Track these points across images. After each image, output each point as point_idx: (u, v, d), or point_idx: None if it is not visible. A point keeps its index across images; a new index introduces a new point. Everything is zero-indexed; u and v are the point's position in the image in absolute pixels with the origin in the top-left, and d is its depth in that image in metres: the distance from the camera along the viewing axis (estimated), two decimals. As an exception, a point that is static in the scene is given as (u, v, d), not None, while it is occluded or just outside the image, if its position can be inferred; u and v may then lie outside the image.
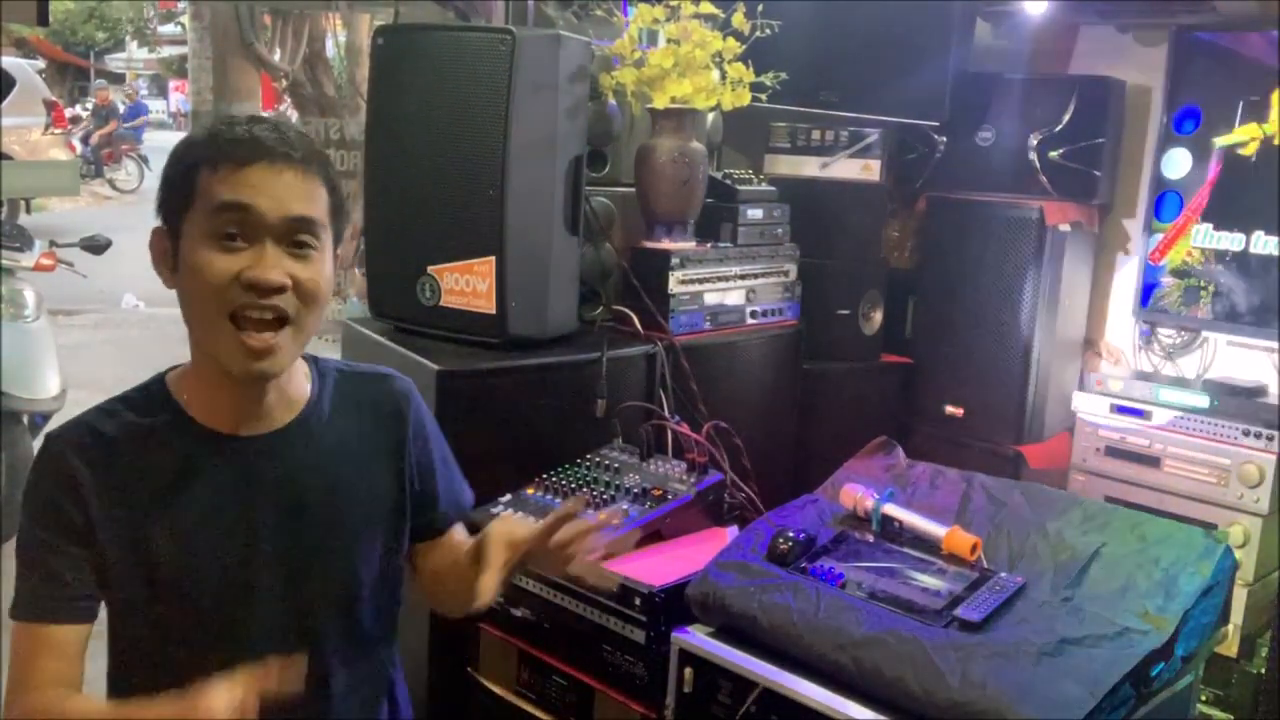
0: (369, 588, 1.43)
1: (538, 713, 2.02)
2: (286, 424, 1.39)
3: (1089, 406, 2.92)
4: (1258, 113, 2.80)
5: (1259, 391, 2.78)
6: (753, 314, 2.69)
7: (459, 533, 1.55)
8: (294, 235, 1.29)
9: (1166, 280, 2.99)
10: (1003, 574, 1.76)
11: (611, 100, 2.53)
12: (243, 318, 1.27)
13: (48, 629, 1.28)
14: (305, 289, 1.29)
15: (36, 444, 3.94)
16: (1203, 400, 2.75)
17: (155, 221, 1.34)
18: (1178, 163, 2.97)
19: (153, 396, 1.37)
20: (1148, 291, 3.04)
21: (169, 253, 1.31)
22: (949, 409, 3.13)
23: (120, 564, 1.31)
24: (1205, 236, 2.91)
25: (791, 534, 1.85)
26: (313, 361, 1.46)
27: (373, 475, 1.45)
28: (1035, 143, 3.01)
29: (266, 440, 1.37)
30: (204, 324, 1.30)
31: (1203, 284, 2.93)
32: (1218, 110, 2.87)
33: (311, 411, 1.41)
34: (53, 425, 1.51)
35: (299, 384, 1.42)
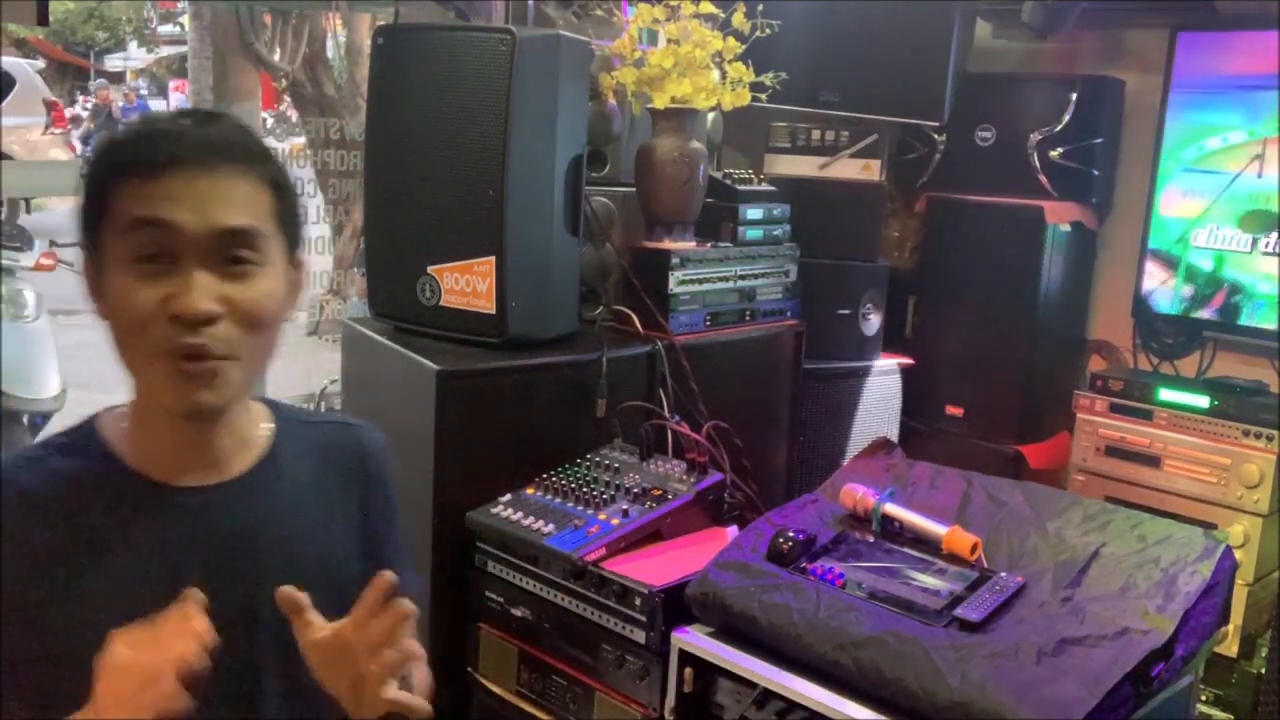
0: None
1: (538, 713, 2.02)
2: (241, 472, 1.18)
3: (1089, 406, 2.92)
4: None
5: (1259, 391, 2.78)
6: (753, 314, 2.69)
7: None
8: (228, 251, 1.07)
9: (1166, 279, 2.99)
10: (1003, 574, 1.76)
11: (611, 100, 2.53)
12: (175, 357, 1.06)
13: None
14: (244, 312, 1.08)
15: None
16: (1203, 400, 2.75)
17: None
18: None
19: (81, 440, 1.15)
20: (1147, 291, 3.03)
21: (96, 279, 1.09)
22: (949, 409, 3.13)
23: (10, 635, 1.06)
24: (1208, 236, 2.91)
25: (791, 534, 1.85)
26: (272, 405, 1.26)
27: (330, 535, 1.23)
28: (1035, 142, 3.01)
29: (217, 491, 1.16)
30: (134, 363, 1.09)
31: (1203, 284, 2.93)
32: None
33: (270, 459, 1.20)
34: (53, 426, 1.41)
35: (255, 426, 1.21)
